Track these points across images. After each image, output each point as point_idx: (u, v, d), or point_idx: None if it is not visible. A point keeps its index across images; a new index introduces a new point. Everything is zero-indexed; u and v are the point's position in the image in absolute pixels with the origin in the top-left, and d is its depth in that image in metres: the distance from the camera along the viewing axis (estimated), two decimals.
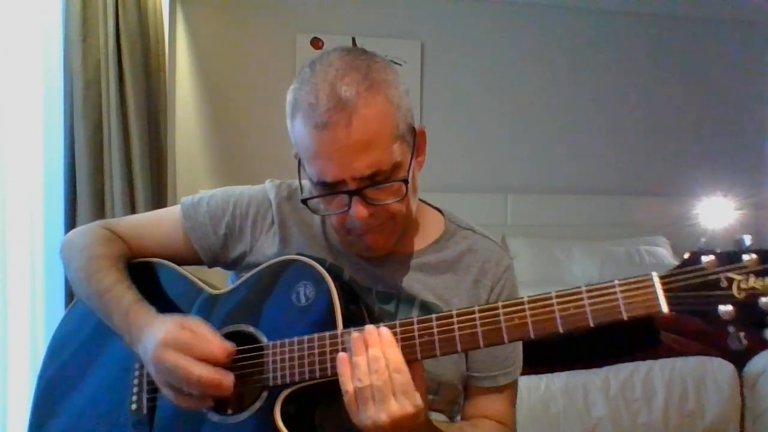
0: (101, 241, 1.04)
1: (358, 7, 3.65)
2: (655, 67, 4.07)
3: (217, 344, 0.85)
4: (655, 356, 2.33)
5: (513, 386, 1.04)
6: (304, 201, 0.92)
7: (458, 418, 1.08)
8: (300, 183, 0.98)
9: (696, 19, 4.10)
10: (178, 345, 0.84)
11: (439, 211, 1.09)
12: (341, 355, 0.80)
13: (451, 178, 3.65)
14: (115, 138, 2.39)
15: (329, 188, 0.88)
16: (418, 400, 0.78)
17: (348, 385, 0.78)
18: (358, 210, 0.87)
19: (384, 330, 0.80)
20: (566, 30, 3.95)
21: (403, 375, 0.77)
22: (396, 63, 3.63)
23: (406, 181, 0.90)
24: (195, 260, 1.08)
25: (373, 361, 0.77)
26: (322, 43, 3.55)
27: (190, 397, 0.85)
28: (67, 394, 1.04)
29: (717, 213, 3.86)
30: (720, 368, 2.34)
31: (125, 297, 0.95)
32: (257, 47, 3.53)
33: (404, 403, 0.77)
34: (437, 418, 1.00)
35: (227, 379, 0.83)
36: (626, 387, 2.24)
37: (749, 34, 4.19)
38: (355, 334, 0.80)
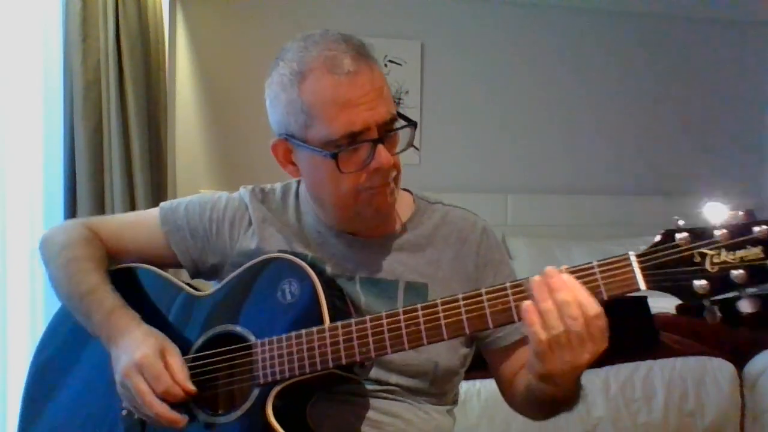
0: (81, 242, 1.04)
1: (358, 7, 3.65)
2: (655, 67, 4.07)
3: (181, 385, 0.88)
4: (655, 356, 2.33)
5: None
6: (335, 156, 0.88)
7: (453, 407, 1.07)
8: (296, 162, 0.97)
9: (695, 19, 4.10)
10: (148, 373, 0.87)
11: (407, 191, 1.10)
12: (527, 303, 0.76)
13: (450, 178, 3.65)
14: (115, 138, 2.39)
15: (352, 140, 0.88)
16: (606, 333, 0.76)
17: (541, 333, 0.74)
18: (386, 155, 0.90)
19: (565, 273, 0.76)
20: (566, 30, 3.95)
21: (600, 318, 0.74)
22: (396, 63, 3.64)
23: (415, 125, 0.94)
24: (175, 263, 1.08)
25: (565, 306, 0.73)
26: None
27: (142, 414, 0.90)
28: (53, 398, 1.04)
29: (717, 213, 3.85)
30: (720, 368, 2.34)
31: (106, 300, 0.96)
32: (257, 47, 3.52)
33: (602, 340, 0.75)
34: (424, 405, 1.00)
35: (181, 423, 0.88)
36: (626, 387, 2.24)
37: (749, 34, 4.19)
38: (536, 278, 0.76)
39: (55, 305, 1.11)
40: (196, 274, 1.09)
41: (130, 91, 2.42)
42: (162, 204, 1.10)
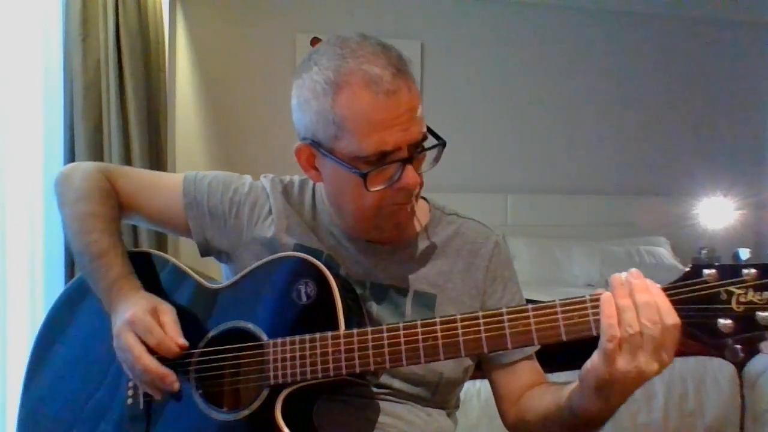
0: (98, 196, 1.03)
1: (358, 7, 3.65)
2: (655, 67, 4.07)
3: (171, 339, 0.89)
4: None
5: (534, 353, 1.04)
6: (364, 176, 0.86)
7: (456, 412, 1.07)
8: (317, 170, 0.95)
9: (696, 19, 4.10)
10: (139, 328, 0.89)
11: (424, 199, 1.09)
12: (606, 294, 0.74)
13: (451, 178, 3.64)
14: (115, 138, 2.39)
15: (381, 159, 0.87)
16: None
17: (615, 329, 0.72)
18: (413, 176, 0.89)
19: (649, 280, 0.74)
20: (566, 30, 3.95)
21: (677, 329, 0.72)
22: None
23: (444, 144, 0.93)
24: (186, 234, 1.07)
25: (645, 307, 0.71)
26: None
27: (135, 375, 0.91)
28: (58, 385, 1.03)
29: (717, 213, 3.86)
30: (720, 368, 2.34)
31: (114, 267, 0.97)
32: (257, 47, 3.53)
33: (672, 354, 0.72)
34: (429, 413, 1.00)
35: (169, 378, 0.88)
36: None
37: (749, 34, 4.19)
38: (617, 276, 0.74)
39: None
40: (206, 252, 1.08)
41: (130, 91, 2.42)
42: (186, 174, 1.08)
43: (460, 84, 3.80)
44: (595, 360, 0.75)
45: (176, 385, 0.89)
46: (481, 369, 1.06)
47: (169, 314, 0.92)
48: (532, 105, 3.92)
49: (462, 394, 1.12)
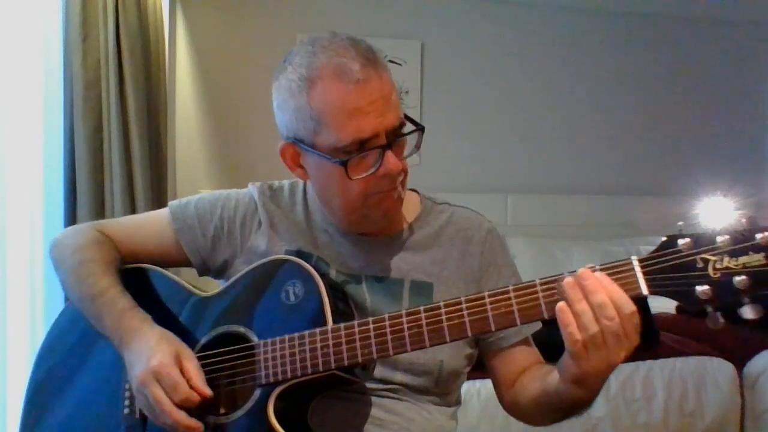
0: (93, 244, 1.04)
1: (357, 7, 3.65)
2: (655, 67, 4.06)
3: (199, 391, 0.88)
4: (655, 356, 2.33)
5: (531, 336, 1.05)
6: (344, 163, 0.89)
7: (455, 408, 1.07)
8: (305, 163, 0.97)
9: (696, 19, 4.10)
10: (165, 382, 0.87)
11: (414, 191, 1.10)
12: (561, 304, 0.76)
13: (451, 178, 3.64)
14: (115, 138, 2.39)
15: (361, 147, 0.89)
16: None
17: (576, 334, 0.74)
18: (394, 161, 0.90)
19: (599, 273, 0.76)
20: (566, 30, 3.95)
21: (634, 316, 0.74)
22: (396, 63, 3.63)
23: (422, 129, 0.94)
24: (185, 263, 1.08)
25: (601, 308, 0.73)
26: None
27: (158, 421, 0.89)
28: (57, 397, 1.04)
29: (717, 213, 3.85)
30: (720, 368, 2.34)
31: (118, 302, 0.96)
32: (257, 47, 3.52)
33: (636, 337, 0.75)
34: (427, 405, 1.00)
35: (199, 430, 0.87)
36: (626, 387, 2.24)
37: (749, 34, 4.19)
38: (568, 279, 0.76)
39: (55, 305, 1.11)
40: (204, 272, 1.09)
41: (130, 91, 2.42)
42: (171, 203, 1.10)
43: (460, 84, 3.80)
44: (566, 360, 0.78)
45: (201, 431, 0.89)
46: (484, 368, 1.07)
47: (191, 361, 0.90)
48: (532, 105, 3.92)
49: (462, 395, 1.12)
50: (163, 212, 1.09)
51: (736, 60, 4.16)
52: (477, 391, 2.07)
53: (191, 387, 0.87)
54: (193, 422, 0.87)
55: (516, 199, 3.85)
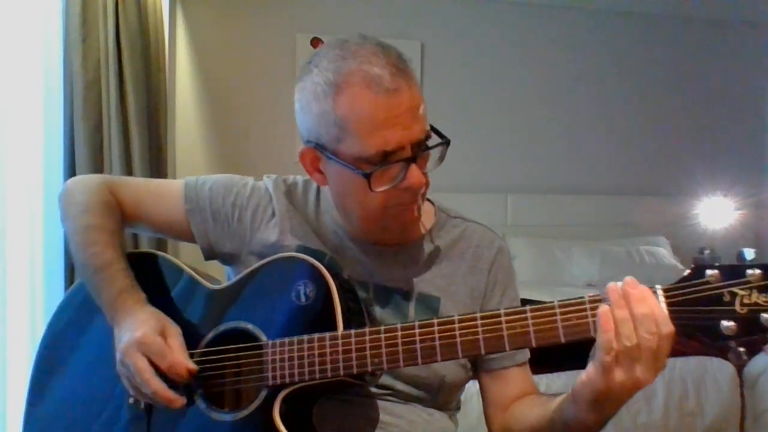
0: (101, 209, 1.03)
1: (357, 7, 3.65)
2: (655, 67, 4.07)
3: (182, 364, 0.88)
4: None
5: (527, 362, 1.04)
6: (367, 176, 0.86)
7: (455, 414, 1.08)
8: (323, 171, 0.95)
9: (696, 19, 4.10)
10: (150, 350, 0.88)
11: (430, 201, 1.09)
12: (604, 308, 0.72)
13: (451, 178, 3.63)
14: (115, 138, 2.39)
15: (385, 159, 0.86)
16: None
17: (613, 342, 0.70)
18: (418, 175, 0.88)
19: (645, 287, 0.72)
20: (566, 30, 3.95)
21: (671, 339, 0.71)
22: None
23: (448, 143, 0.92)
24: (190, 240, 1.07)
25: (643, 319, 0.70)
26: (322, 43, 3.54)
27: (139, 393, 0.90)
28: (61, 385, 1.04)
29: (717, 213, 3.86)
30: (720, 368, 2.34)
31: (118, 279, 0.96)
32: (257, 47, 3.53)
33: (665, 360, 0.72)
34: (431, 413, 1.00)
35: (178, 402, 0.88)
36: None
37: (749, 34, 4.19)
38: (613, 286, 0.73)
39: (55, 305, 1.11)
40: (210, 256, 1.07)
41: (130, 91, 2.42)
42: (187, 179, 1.07)
43: (460, 84, 3.80)
44: (590, 372, 0.73)
45: (182, 404, 0.89)
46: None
47: (176, 337, 0.91)
48: (532, 105, 3.93)
49: (462, 395, 1.12)
50: (177, 187, 1.07)
51: (736, 60, 4.16)
52: (477, 391, 2.06)
53: (177, 360, 0.88)
54: (171, 393, 0.87)
55: (516, 199, 3.85)
